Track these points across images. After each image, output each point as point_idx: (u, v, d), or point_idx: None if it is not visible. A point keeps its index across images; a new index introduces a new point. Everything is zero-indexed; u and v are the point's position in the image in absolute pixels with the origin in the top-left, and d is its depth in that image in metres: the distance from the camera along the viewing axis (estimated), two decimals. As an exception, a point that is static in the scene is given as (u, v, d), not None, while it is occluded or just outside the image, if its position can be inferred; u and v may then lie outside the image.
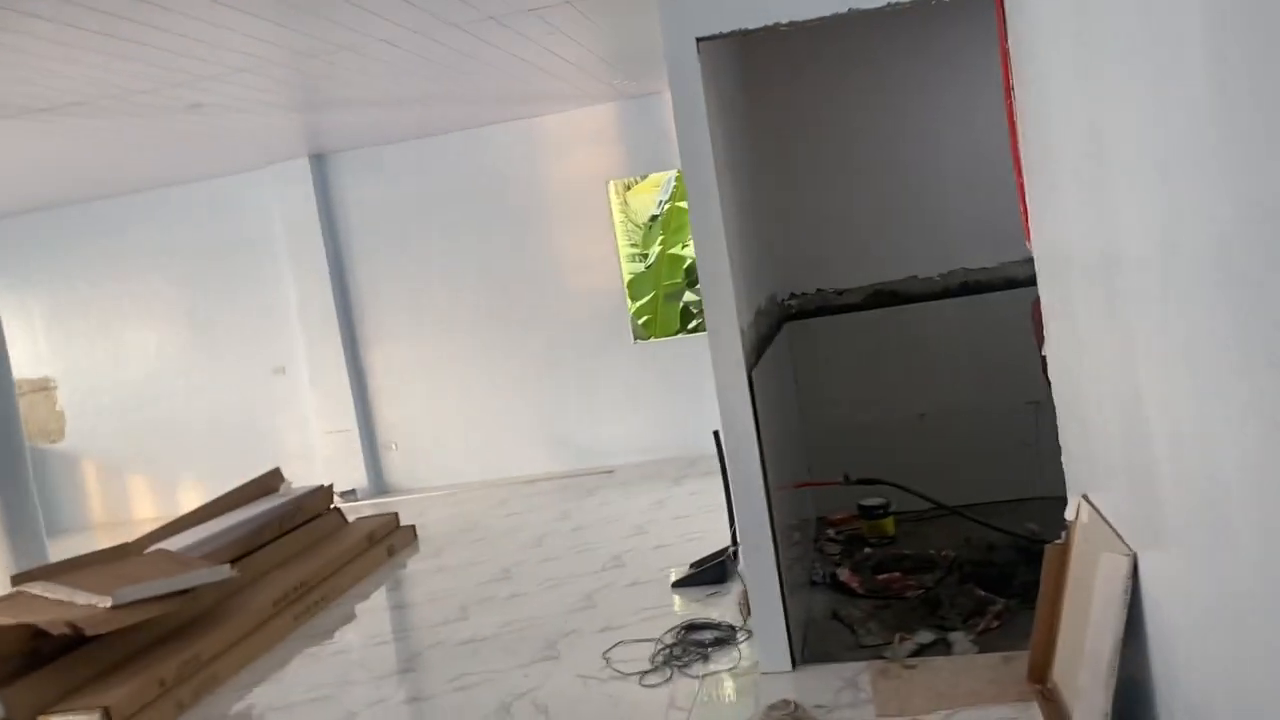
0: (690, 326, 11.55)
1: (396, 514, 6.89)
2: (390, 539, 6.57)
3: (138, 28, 4.35)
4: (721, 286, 3.75)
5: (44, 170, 7.45)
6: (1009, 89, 3.46)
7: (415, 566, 6.25)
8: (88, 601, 4.40)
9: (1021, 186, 3.50)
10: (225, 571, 4.97)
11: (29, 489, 5.93)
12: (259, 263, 8.82)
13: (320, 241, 8.54)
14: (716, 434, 5.23)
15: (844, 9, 3.51)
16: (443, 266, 8.56)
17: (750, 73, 5.58)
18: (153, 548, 5.32)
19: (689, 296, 11.75)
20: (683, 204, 10.43)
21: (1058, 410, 3.51)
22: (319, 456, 8.74)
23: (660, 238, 10.71)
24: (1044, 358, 3.69)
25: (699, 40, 3.65)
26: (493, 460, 8.59)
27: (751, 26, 3.60)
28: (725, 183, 3.88)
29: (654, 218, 11.23)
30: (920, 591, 4.55)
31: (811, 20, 3.55)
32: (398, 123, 7.76)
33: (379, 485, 8.78)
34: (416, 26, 5.00)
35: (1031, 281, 5.79)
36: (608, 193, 8.46)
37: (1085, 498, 3.20)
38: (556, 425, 8.50)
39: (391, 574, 6.19)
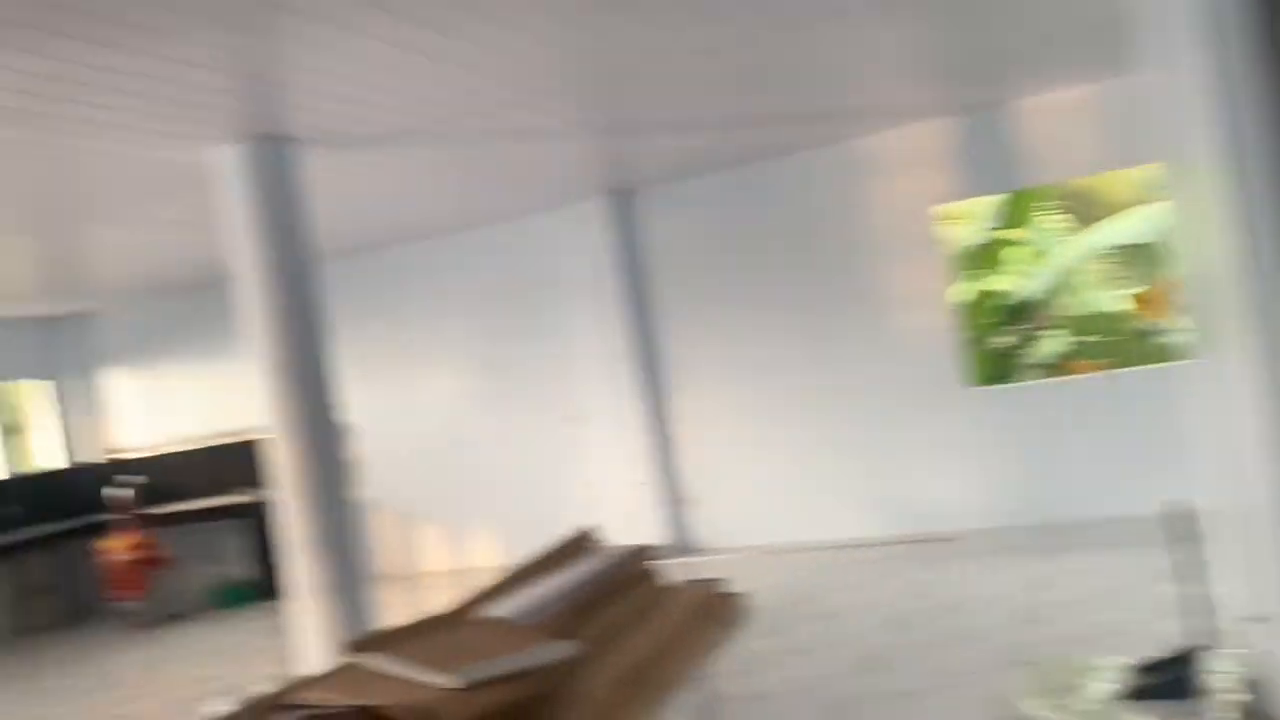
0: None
1: (726, 580, 6.08)
2: (721, 610, 5.77)
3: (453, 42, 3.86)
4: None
5: (363, 211, 7.29)
6: None
7: (758, 645, 5.40)
8: (431, 680, 3.81)
9: None
10: (569, 648, 4.30)
11: (360, 541, 5.46)
12: (557, 306, 8.39)
13: (622, 283, 8.02)
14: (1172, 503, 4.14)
15: None
16: (753, 307, 7.82)
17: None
18: (483, 616, 4.74)
19: (1003, 340, 10.49)
20: (1008, 234, 9.29)
21: None
22: (615, 511, 8.12)
23: (982, 271, 9.57)
24: None
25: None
26: (806, 520, 7.69)
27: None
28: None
29: (976, 249, 10.05)
30: None
31: None
32: (701, 151, 7.13)
33: (681, 543, 8.06)
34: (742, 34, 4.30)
35: None
36: (934, 220, 7.49)
37: None
38: (881, 483, 7.51)
39: (733, 653, 5.36)
